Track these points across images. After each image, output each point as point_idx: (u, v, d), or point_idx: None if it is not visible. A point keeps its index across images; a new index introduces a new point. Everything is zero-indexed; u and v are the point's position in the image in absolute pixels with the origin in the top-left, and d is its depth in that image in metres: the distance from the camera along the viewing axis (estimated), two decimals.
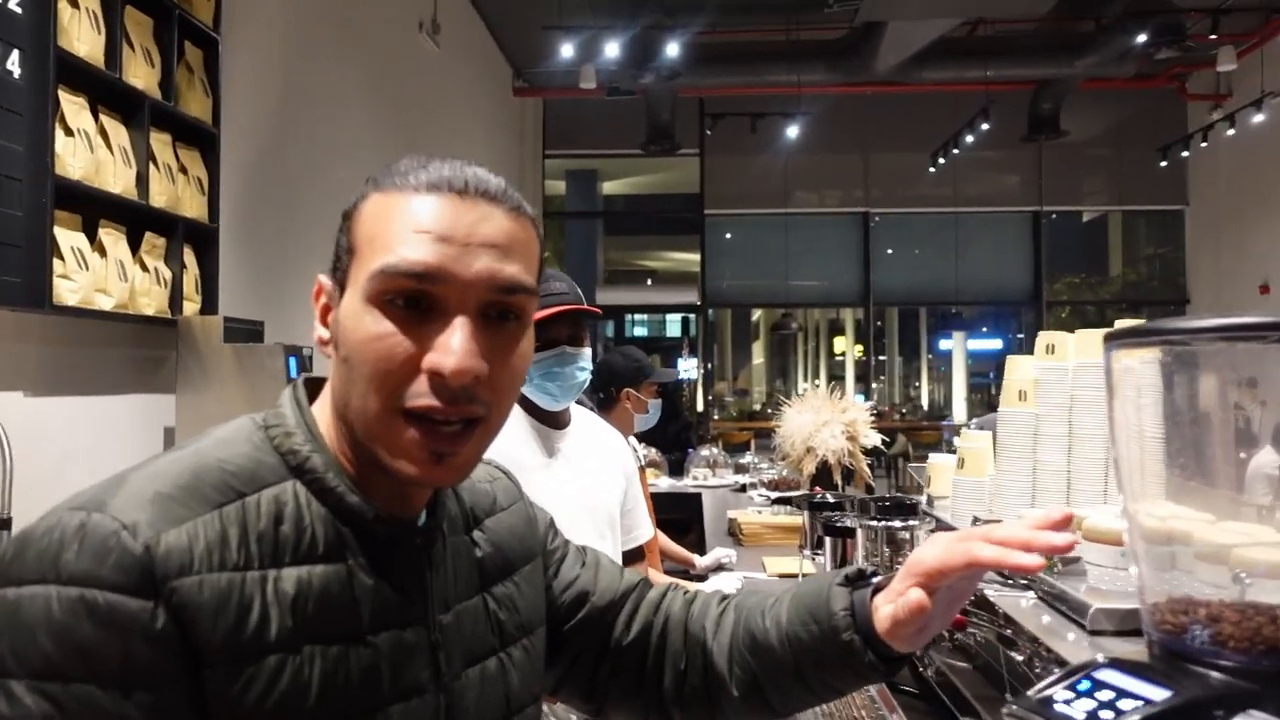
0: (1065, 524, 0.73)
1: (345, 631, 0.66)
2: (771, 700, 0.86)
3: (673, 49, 6.57)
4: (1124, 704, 0.66)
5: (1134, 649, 0.91)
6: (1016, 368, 1.60)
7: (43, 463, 2.66)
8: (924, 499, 1.78)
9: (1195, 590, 0.76)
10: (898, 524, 1.21)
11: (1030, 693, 0.72)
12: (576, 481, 1.73)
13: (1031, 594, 1.15)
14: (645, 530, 2.09)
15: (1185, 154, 8.67)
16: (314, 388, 0.76)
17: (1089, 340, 1.54)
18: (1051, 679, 0.72)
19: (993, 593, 1.16)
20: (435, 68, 6.58)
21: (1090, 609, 0.98)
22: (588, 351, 1.75)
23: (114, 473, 0.66)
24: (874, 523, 1.22)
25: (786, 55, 7.45)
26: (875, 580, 0.82)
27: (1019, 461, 1.59)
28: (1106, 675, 0.70)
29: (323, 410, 0.73)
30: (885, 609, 0.77)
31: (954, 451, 1.89)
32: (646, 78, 7.11)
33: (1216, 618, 0.72)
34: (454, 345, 0.65)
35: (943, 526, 1.52)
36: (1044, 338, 1.59)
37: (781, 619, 0.85)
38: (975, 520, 1.48)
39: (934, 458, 1.88)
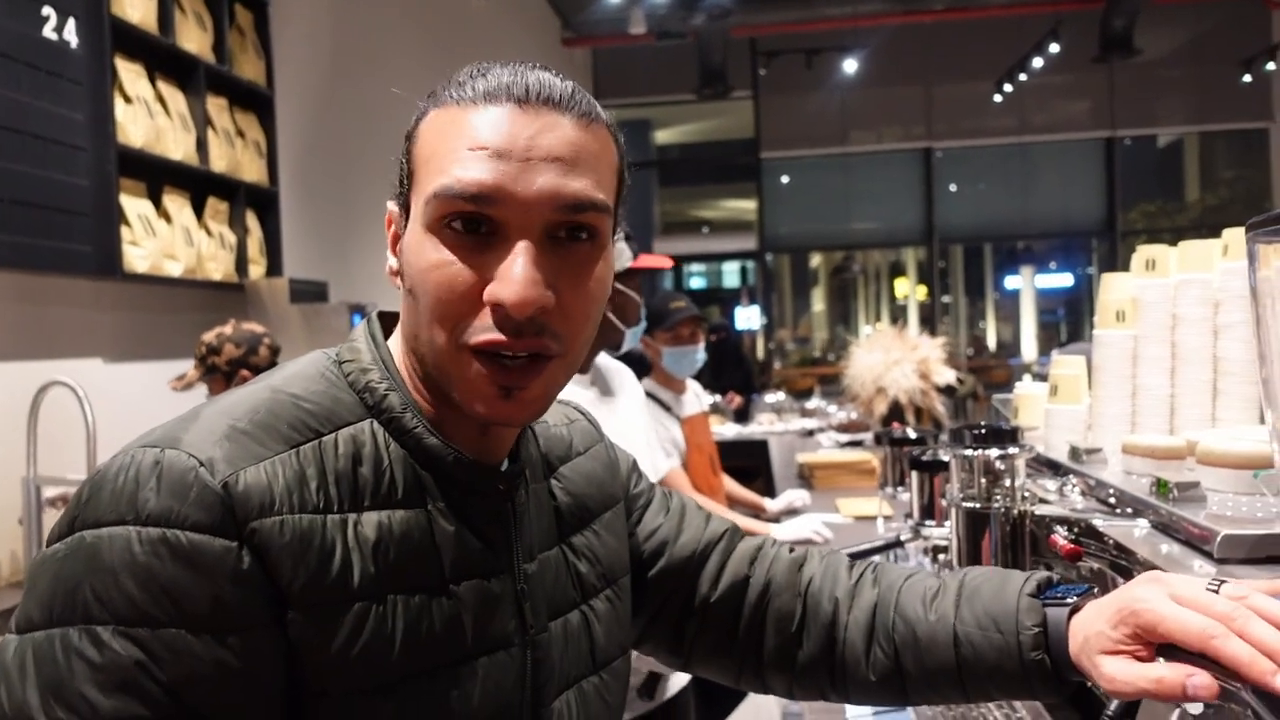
0: None
1: (427, 580, 0.63)
2: (910, 691, 0.79)
3: None
4: None
5: (1266, 576, 0.84)
6: (1114, 286, 1.51)
7: (122, 428, 2.72)
8: None
9: None
10: (995, 453, 1.15)
11: None
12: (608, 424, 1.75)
13: (1144, 522, 1.08)
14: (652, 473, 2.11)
15: (1270, 66, 8.16)
16: (388, 322, 0.72)
17: (1194, 252, 1.44)
18: None
19: (1101, 522, 1.10)
20: (483, 20, 6.50)
21: (1218, 536, 0.90)
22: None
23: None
24: (970, 452, 1.16)
25: None
26: (1067, 599, 0.72)
27: (1118, 387, 1.49)
28: None
29: (396, 345, 0.69)
30: (1094, 649, 0.66)
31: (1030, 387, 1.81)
32: (696, 19, 6.93)
33: None
34: (515, 274, 0.60)
35: (1040, 459, 1.45)
36: (1143, 251, 1.48)
37: (950, 615, 0.76)
38: (1073, 450, 1.41)
39: (1021, 386, 1.80)
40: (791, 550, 0.89)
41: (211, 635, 0.54)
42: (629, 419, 1.92)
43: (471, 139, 0.61)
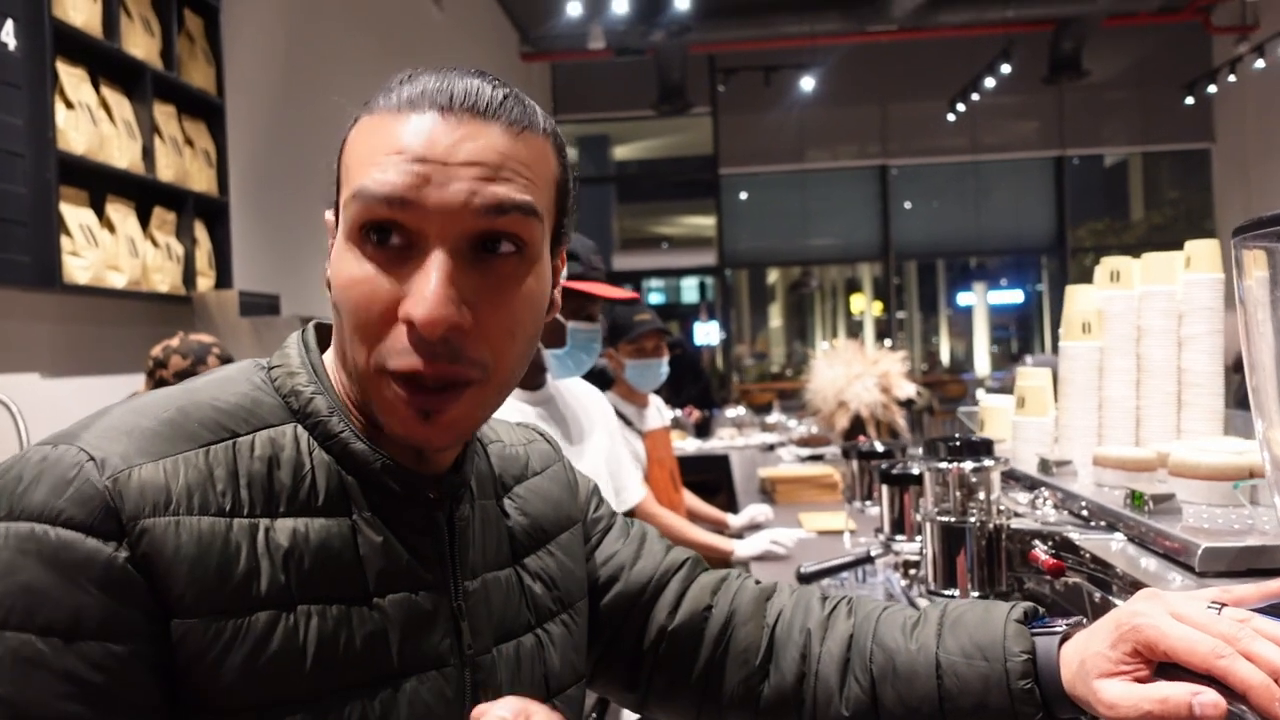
0: None
1: (348, 592, 0.59)
2: None
3: (682, 1, 6.40)
4: None
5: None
6: (1079, 298, 1.50)
7: None
8: None
9: None
10: (970, 465, 1.13)
11: None
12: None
13: (1120, 535, 1.07)
14: (634, 492, 1.99)
15: (1211, 89, 8.40)
16: (329, 334, 0.69)
17: (1156, 265, 1.44)
18: None
19: (1077, 536, 1.08)
20: (440, 33, 6.44)
21: (1199, 549, 0.89)
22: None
23: None
24: (945, 465, 1.13)
25: (798, 4, 7.25)
26: (1058, 627, 0.69)
27: (1084, 399, 1.49)
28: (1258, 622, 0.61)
29: (333, 356, 0.66)
30: (1092, 673, 0.61)
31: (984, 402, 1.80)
32: (655, 35, 6.95)
33: None
34: (426, 291, 0.57)
35: (1010, 472, 1.43)
36: (1107, 263, 1.48)
37: (932, 644, 0.72)
38: (1043, 462, 1.39)
39: (986, 398, 1.79)
40: (758, 582, 0.85)
41: (63, 639, 0.50)
42: (597, 446, 1.84)
43: (391, 145, 0.59)
